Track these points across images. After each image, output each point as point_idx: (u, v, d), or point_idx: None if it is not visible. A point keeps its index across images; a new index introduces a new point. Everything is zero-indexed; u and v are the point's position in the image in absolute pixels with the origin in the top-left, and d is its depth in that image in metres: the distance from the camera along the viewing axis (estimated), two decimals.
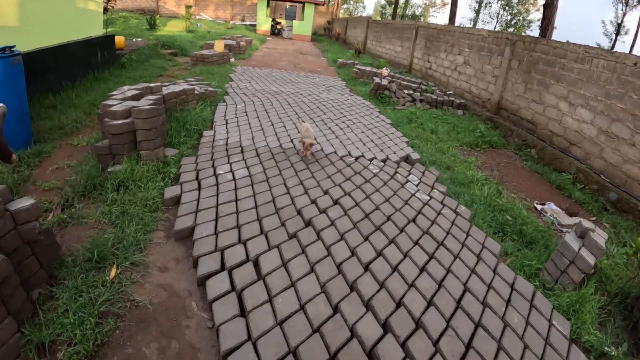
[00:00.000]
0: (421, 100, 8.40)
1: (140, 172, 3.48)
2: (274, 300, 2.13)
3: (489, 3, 36.75)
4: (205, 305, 2.23)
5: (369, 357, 1.91)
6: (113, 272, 2.37)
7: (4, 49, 3.91)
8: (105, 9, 9.73)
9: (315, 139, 4.55)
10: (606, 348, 2.45)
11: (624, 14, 29.57)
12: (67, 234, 2.77)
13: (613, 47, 29.92)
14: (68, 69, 6.50)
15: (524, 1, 34.50)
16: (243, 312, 2.10)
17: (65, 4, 7.48)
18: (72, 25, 7.17)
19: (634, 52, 24.43)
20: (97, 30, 8.16)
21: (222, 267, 2.42)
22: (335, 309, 2.16)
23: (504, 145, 6.85)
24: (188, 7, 19.91)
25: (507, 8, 35.96)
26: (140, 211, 3.05)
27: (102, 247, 2.52)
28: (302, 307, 2.11)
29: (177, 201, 3.24)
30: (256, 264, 2.46)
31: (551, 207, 4.58)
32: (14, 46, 4.08)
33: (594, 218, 4.65)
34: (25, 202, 2.17)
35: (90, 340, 1.90)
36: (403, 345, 1.99)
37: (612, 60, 5.34)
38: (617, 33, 29.95)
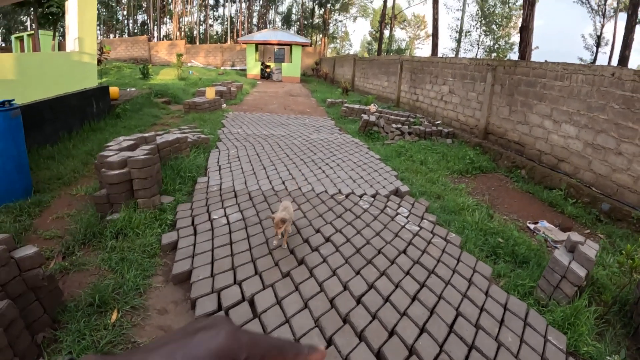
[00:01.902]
0: (410, 133, 8.62)
1: (137, 219, 3.60)
2: None
3: (469, 32, 38.18)
4: None
5: None
6: (114, 316, 2.45)
7: (3, 102, 4.12)
8: (99, 61, 10.14)
9: (293, 222, 3.65)
10: (607, 357, 2.47)
11: (602, 26, 30.52)
12: (68, 281, 2.87)
13: (595, 59, 30.65)
14: (65, 120, 6.79)
15: (504, 25, 35.77)
16: None
17: (61, 57, 7.89)
18: (68, 78, 7.52)
19: (613, 61, 25.11)
20: (91, 81, 8.52)
21: (219, 308, 2.50)
22: (329, 342, 2.22)
23: (494, 169, 7.00)
24: (179, 55, 20.66)
25: (488, 33, 37.27)
26: (139, 257, 3.15)
27: (103, 292, 2.61)
28: (297, 341, 2.16)
29: (174, 246, 3.35)
30: (252, 303, 2.54)
31: (544, 225, 4.66)
32: (13, 100, 4.30)
33: (588, 230, 4.72)
34: (29, 250, 2.30)
35: None
36: None
37: (590, 74, 5.57)
38: (598, 45, 30.78)
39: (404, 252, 3.35)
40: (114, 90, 9.68)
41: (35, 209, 4.07)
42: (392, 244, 3.45)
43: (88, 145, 6.47)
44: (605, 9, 30.30)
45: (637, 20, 14.59)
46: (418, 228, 3.85)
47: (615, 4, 29.99)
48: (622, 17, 25.58)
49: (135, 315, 2.53)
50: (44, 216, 3.99)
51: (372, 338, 2.22)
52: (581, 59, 32.87)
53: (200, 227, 3.60)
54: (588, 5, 32.30)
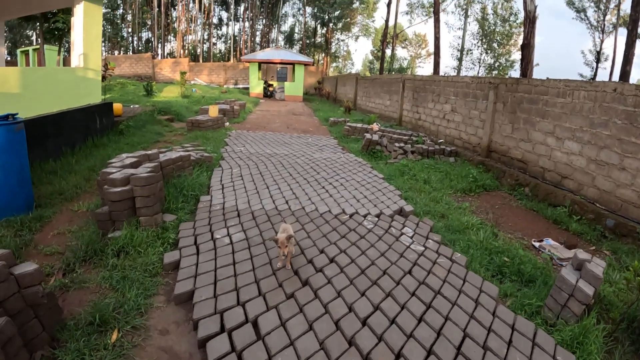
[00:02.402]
0: (412, 152, 8.66)
1: (139, 237, 3.60)
2: (274, 359, 2.17)
3: (470, 50, 38.63)
4: None
5: None
6: (114, 336, 2.42)
7: (6, 116, 4.16)
8: (104, 77, 10.28)
9: (296, 243, 3.69)
10: None
11: (602, 42, 30.80)
12: (68, 298, 2.85)
13: (595, 75, 30.86)
14: (68, 136, 6.86)
15: (505, 43, 36.19)
16: None
17: (65, 72, 8.03)
18: (72, 93, 7.65)
19: (613, 76, 25.20)
20: (95, 97, 8.66)
21: (222, 329, 2.47)
22: None
23: (497, 187, 6.99)
24: (183, 73, 20.96)
25: (489, 52, 37.68)
26: (141, 276, 3.14)
27: (104, 311, 2.59)
28: None
29: (176, 266, 3.33)
30: (255, 325, 2.51)
31: (549, 243, 4.63)
32: (17, 114, 4.35)
33: (593, 247, 4.68)
34: (28, 267, 2.30)
35: None
36: None
37: (592, 90, 5.60)
38: (598, 61, 31.00)
39: (409, 272, 3.32)
40: (117, 106, 9.80)
41: (37, 223, 4.09)
42: (397, 264, 3.43)
43: (91, 161, 6.52)
44: (604, 25, 30.66)
45: (638, 35, 14.71)
46: (423, 248, 3.83)
47: (614, 20, 30.36)
48: (622, 32, 25.94)
49: (136, 336, 2.50)
50: (45, 231, 4.00)
51: None
52: (581, 75, 33.19)
53: (202, 246, 3.58)
54: (587, 22, 32.77)
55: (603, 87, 5.44)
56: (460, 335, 2.51)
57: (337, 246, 3.70)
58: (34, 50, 22.47)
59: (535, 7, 11.67)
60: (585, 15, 32.84)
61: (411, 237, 4.07)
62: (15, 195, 4.17)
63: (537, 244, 4.62)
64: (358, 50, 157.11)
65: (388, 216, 4.67)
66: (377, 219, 4.56)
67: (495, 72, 36.75)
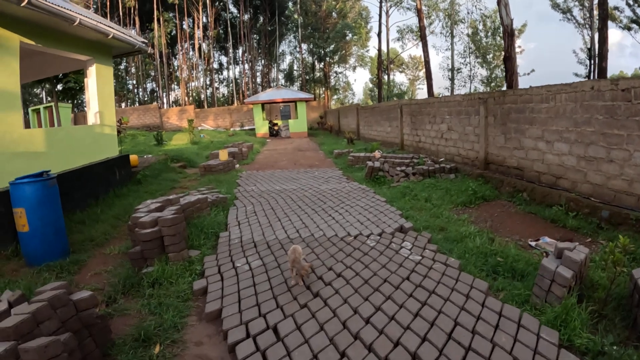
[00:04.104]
0: (414, 174, 9.08)
1: (170, 271, 4.14)
2: (292, 354, 2.63)
3: (459, 69, 39.40)
4: None
5: None
6: (157, 349, 2.90)
7: (41, 173, 4.77)
8: (119, 132, 10.92)
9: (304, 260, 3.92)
10: (606, 348, 2.69)
11: (591, 38, 30.85)
12: (114, 324, 3.33)
13: (590, 72, 30.73)
14: (91, 188, 7.50)
15: (498, 55, 36.78)
16: None
17: (84, 130, 8.69)
18: (91, 149, 8.25)
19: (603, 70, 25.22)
20: (113, 151, 9.26)
21: (248, 336, 2.94)
22: (343, 354, 2.62)
23: (496, 196, 7.32)
24: (190, 120, 21.88)
25: (484, 65, 38.35)
26: (175, 301, 3.63)
27: (146, 329, 3.10)
28: (315, 356, 2.60)
29: (204, 291, 3.83)
30: (275, 330, 2.98)
31: (545, 241, 4.92)
32: (50, 170, 4.95)
33: (589, 239, 4.94)
34: (84, 294, 2.83)
35: None
36: None
37: (572, 91, 5.96)
38: (590, 57, 30.98)
39: (407, 278, 3.74)
40: (133, 157, 10.55)
41: (74, 267, 4.64)
42: (397, 273, 3.86)
43: (114, 210, 7.14)
44: (592, 21, 30.77)
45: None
46: (420, 257, 4.25)
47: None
48: (610, 25, 26.25)
49: (175, 347, 2.98)
50: (82, 273, 4.55)
51: (379, 349, 2.61)
52: (576, 74, 33.23)
53: (226, 274, 4.10)
54: (574, 21, 33.14)
55: (581, 87, 5.78)
56: (451, 324, 2.91)
57: (343, 263, 4.15)
58: (45, 108, 23.16)
59: (512, 20, 12.25)
60: (572, 15, 33.26)
61: (410, 250, 4.50)
62: (52, 243, 4.75)
63: (533, 243, 4.91)
64: (358, 80, 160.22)
65: (389, 234, 5.11)
66: (379, 237, 5.01)
67: (493, 83, 37.30)
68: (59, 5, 5.98)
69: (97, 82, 8.54)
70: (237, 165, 12.72)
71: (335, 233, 5.24)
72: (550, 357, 2.55)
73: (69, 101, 19.91)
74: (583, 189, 5.89)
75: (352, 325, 2.92)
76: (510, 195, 7.17)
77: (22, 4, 5.18)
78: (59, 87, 16.39)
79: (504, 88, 19.40)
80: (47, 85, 20.62)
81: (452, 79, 35.68)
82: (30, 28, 6.20)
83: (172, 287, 3.90)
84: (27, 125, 18.50)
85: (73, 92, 16.36)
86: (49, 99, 20.46)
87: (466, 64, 39.35)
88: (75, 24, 6.41)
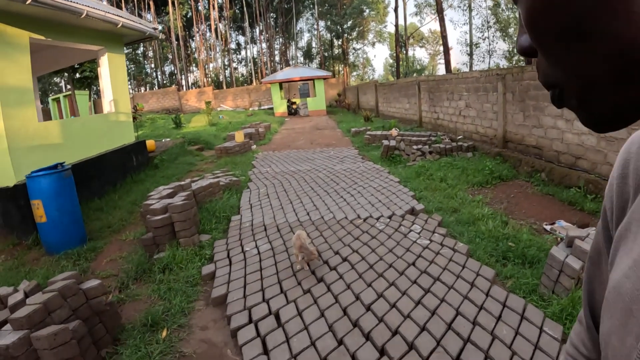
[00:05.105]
0: (430, 152, 8.94)
1: (180, 256, 4.25)
2: (290, 340, 2.68)
3: (477, 44, 38.12)
4: (237, 350, 2.81)
5: None
6: (164, 333, 3.02)
7: (56, 165, 4.92)
8: (134, 118, 11.07)
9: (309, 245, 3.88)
10: None
11: None
12: (125, 309, 3.50)
13: None
14: (108, 175, 7.69)
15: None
16: (266, 352, 2.66)
17: (99, 119, 8.87)
18: (107, 137, 8.43)
19: None
20: (129, 137, 9.43)
21: (250, 321, 3.02)
22: (340, 342, 2.64)
23: (514, 176, 7.15)
24: (208, 102, 21.96)
25: (505, 39, 37.05)
26: (183, 286, 3.75)
27: (155, 315, 3.22)
28: (313, 343, 2.63)
29: (212, 276, 3.92)
30: (277, 316, 3.04)
31: (561, 225, 4.79)
32: (64, 162, 5.11)
33: None
34: (93, 282, 2.98)
35: None
36: None
37: None
38: None
39: (413, 264, 3.72)
40: (150, 143, 10.71)
41: (91, 254, 4.83)
42: (403, 258, 3.84)
43: (132, 196, 7.31)
44: None
45: None
46: (428, 242, 4.21)
47: None
48: None
49: (181, 332, 3.10)
50: (99, 259, 4.73)
51: (377, 337, 2.62)
52: None
53: (234, 258, 4.18)
54: None
55: None
56: (452, 313, 2.89)
57: (350, 247, 4.16)
58: (64, 97, 23.49)
59: None
60: None
61: (418, 233, 4.46)
62: (70, 232, 4.93)
63: (548, 227, 4.80)
64: (378, 56, 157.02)
65: (399, 216, 5.07)
66: (388, 219, 4.97)
67: (516, 57, 36.00)
68: None
69: (110, 70, 8.64)
70: (254, 146, 12.76)
71: (345, 215, 5.23)
72: (551, 353, 2.51)
73: (86, 89, 20.25)
74: (603, 170, 5.70)
75: (352, 312, 2.94)
76: (529, 175, 7.00)
77: (27, 2, 5.22)
78: (77, 75, 16.68)
79: (523, 64, 18.74)
80: (66, 74, 20.95)
81: (470, 54, 34.61)
82: (38, 23, 6.28)
83: (181, 273, 4.01)
84: (47, 114, 18.89)
85: (89, 80, 16.64)
86: (68, 87, 20.74)
87: (484, 39, 38.04)
88: (83, 16, 6.43)
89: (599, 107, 0.39)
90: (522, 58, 34.76)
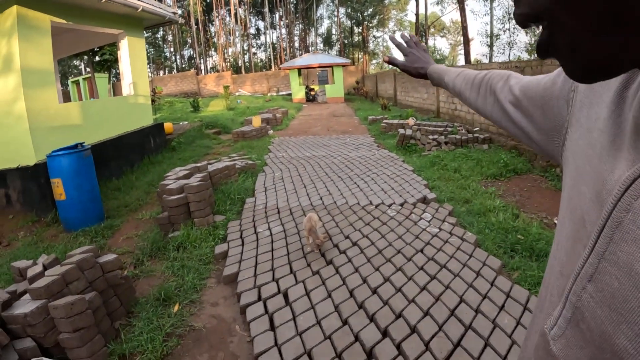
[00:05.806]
0: (446, 143, 8.90)
1: (194, 235, 4.40)
2: (297, 318, 2.79)
3: (497, 35, 37.24)
4: (245, 326, 2.94)
5: (368, 356, 2.45)
6: (176, 307, 3.17)
7: (76, 145, 5.09)
8: (153, 101, 11.21)
9: (326, 231, 4.25)
10: None
11: None
12: (139, 284, 3.66)
13: None
14: (127, 156, 7.89)
15: None
16: (273, 328, 2.78)
17: (118, 101, 9.07)
18: (126, 119, 8.64)
19: None
20: (147, 120, 9.63)
21: (259, 299, 3.14)
22: (345, 322, 2.74)
23: (529, 170, 7.10)
24: (226, 87, 22.05)
25: (527, 32, 36.15)
26: (196, 264, 3.90)
27: (168, 290, 3.38)
28: (318, 322, 2.74)
29: (225, 255, 4.06)
30: (285, 295, 3.15)
31: None
32: (84, 142, 5.27)
33: None
34: (110, 256, 3.14)
35: (158, 351, 2.66)
36: (398, 346, 2.50)
37: None
38: None
39: (421, 251, 3.79)
40: (168, 125, 10.88)
41: (108, 231, 5.02)
42: (412, 245, 3.90)
43: (149, 176, 7.51)
44: None
45: None
46: (438, 230, 4.26)
47: None
48: None
49: (192, 307, 3.24)
50: (115, 237, 4.91)
51: (380, 319, 2.72)
52: None
53: (247, 239, 4.31)
54: None
55: None
56: (456, 300, 2.96)
57: (361, 232, 4.25)
58: (84, 79, 23.76)
59: None
60: None
61: (429, 221, 4.51)
62: (88, 210, 5.12)
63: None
64: None
65: (411, 204, 5.12)
66: (400, 207, 5.03)
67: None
68: None
69: (129, 54, 8.80)
70: (271, 131, 12.85)
71: (358, 201, 5.31)
72: None
73: (106, 72, 20.49)
74: None
75: (358, 295, 3.03)
76: (544, 169, 6.95)
77: None
78: (97, 58, 16.91)
79: None
80: (86, 57, 21.19)
81: (490, 46, 33.84)
82: (59, 7, 6.42)
83: (195, 251, 4.15)
84: (67, 96, 19.21)
85: (109, 63, 16.85)
86: (88, 70, 20.97)
87: (505, 30, 37.13)
88: (103, 0, 6.56)
89: (592, 55, 0.34)
90: None
